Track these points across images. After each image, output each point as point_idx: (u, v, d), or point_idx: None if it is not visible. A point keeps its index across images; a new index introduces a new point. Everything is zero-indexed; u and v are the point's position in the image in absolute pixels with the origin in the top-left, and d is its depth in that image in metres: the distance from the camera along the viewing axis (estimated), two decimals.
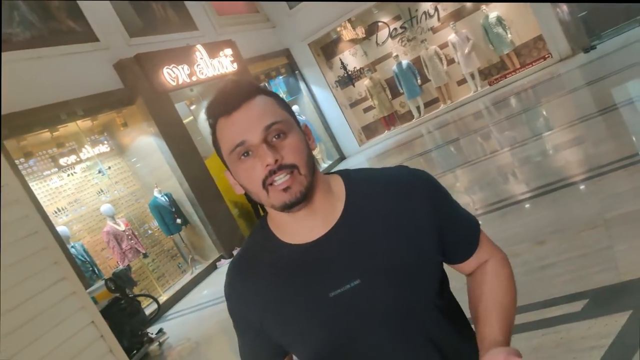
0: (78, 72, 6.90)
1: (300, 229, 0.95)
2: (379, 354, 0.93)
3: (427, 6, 11.71)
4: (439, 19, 11.71)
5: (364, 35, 12.41)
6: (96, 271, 6.89)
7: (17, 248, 3.42)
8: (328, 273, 0.92)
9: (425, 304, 0.94)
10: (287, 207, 0.89)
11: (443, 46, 11.58)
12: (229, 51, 9.71)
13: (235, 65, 9.76)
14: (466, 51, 11.02)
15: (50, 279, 3.54)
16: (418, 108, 12.18)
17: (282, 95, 12.31)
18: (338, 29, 12.20)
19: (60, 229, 6.37)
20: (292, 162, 0.88)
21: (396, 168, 1.03)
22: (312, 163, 0.92)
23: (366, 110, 13.05)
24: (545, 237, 3.40)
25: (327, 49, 12.93)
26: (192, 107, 10.52)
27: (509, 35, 10.75)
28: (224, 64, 9.48)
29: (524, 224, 3.89)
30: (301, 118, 12.10)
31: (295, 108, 12.22)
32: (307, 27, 12.07)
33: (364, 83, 12.44)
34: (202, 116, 10.66)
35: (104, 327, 3.78)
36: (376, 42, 12.47)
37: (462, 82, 11.88)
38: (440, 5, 11.55)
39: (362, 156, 12.00)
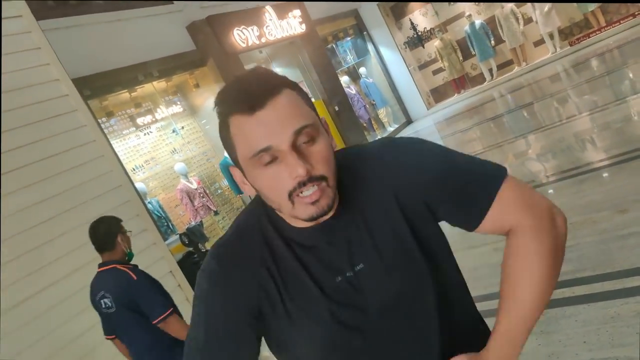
0: (153, 34, 7.13)
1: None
2: (388, 341, 0.88)
3: None
4: None
5: None
6: (170, 226, 7.28)
7: (103, 200, 3.68)
8: (334, 258, 0.87)
9: (432, 284, 0.88)
10: (313, 220, 0.82)
11: (520, 5, 10.90)
12: (297, 12, 9.66)
13: (303, 26, 9.71)
14: (546, 9, 10.32)
15: (133, 230, 3.79)
16: (490, 70, 11.67)
17: (350, 57, 12.18)
18: None
19: (138, 185, 6.74)
20: (322, 173, 0.79)
21: (378, 143, 0.94)
22: (336, 171, 0.83)
23: (435, 72, 12.67)
24: (628, 206, 3.22)
25: (396, 9, 12.55)
26: None
27: None
28: (292, 25, 9.46)
29: (604, 192, 3.70)
30: (368, 80, 11.95)
31: (362, 70, 12.05)
32: None
33: (434, 44, 12.02)
34: None
35: (181, 276, 4.02)
36: (448, 1, 11.95)
37: (539, 42, 11.19)
38: None
39: (429, 120, 11.73)
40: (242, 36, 8.30)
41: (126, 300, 2.43)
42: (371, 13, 12.17)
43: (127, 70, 6.56)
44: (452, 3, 11.90)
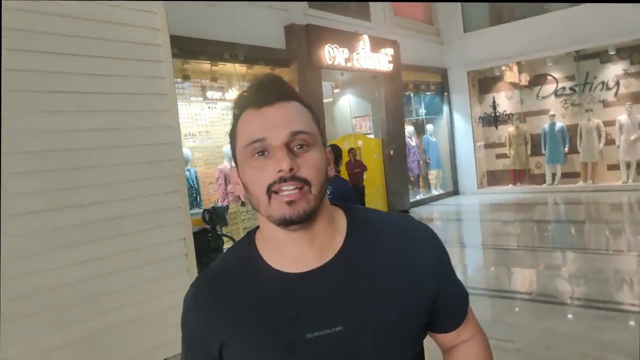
0: (252, 22, 7.38)
1: (293, 252, 0.85)
2: None
3: (609, 77, 10.86)
4: (616, 94, 10.76)
5: (527, 83, 11.85)
6: (198, 200, 7.40)
7: (152, 150, 3.79)
8: (310, 311, 0.82)
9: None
10: (286, 223, 0.80)
11: (608, 124, 10.67)
12: (390, 51, 9.79)
13: (391, 66, 9.83)
14: (632, 138, 10.11)
15: (167, 188, 3.87)
16: (554, 175, 11.43)
17: (421, 111, 12.24)
18: (503, 68, 11.78)
19: (184, 150, 6.90)
20: (306, 176, 0.79)
21: (403, 216, 0.96)
22: (324, 187, 0.84)
23: (499, 156, 12.52)
24: None
25: (484, 83, 12.55)
26: (336, 90, 10.81)
27: None
28: (381, 61, 9.59)
29: (627, 337, 3.53)
30: (432, 139, 11.93)
31: (429, 127, 12.06)
32: (473, 55, 11.80)
33: (508, 129, 11.93)
34: (340, 103, 10.90)
35: (191, 247, 4.06)
36: (537, 94, 11.82)
37: (613, 167, 10.91)
38: (623, 80, 10.67)
39: (475, 199, 11.57)
40: (332, 54, 8.46)
41: (343, 198, 3.10)
42: (459, 78, 12.21)
43: (217, 44, 6.80)
44: (540, 97, 11.78)
